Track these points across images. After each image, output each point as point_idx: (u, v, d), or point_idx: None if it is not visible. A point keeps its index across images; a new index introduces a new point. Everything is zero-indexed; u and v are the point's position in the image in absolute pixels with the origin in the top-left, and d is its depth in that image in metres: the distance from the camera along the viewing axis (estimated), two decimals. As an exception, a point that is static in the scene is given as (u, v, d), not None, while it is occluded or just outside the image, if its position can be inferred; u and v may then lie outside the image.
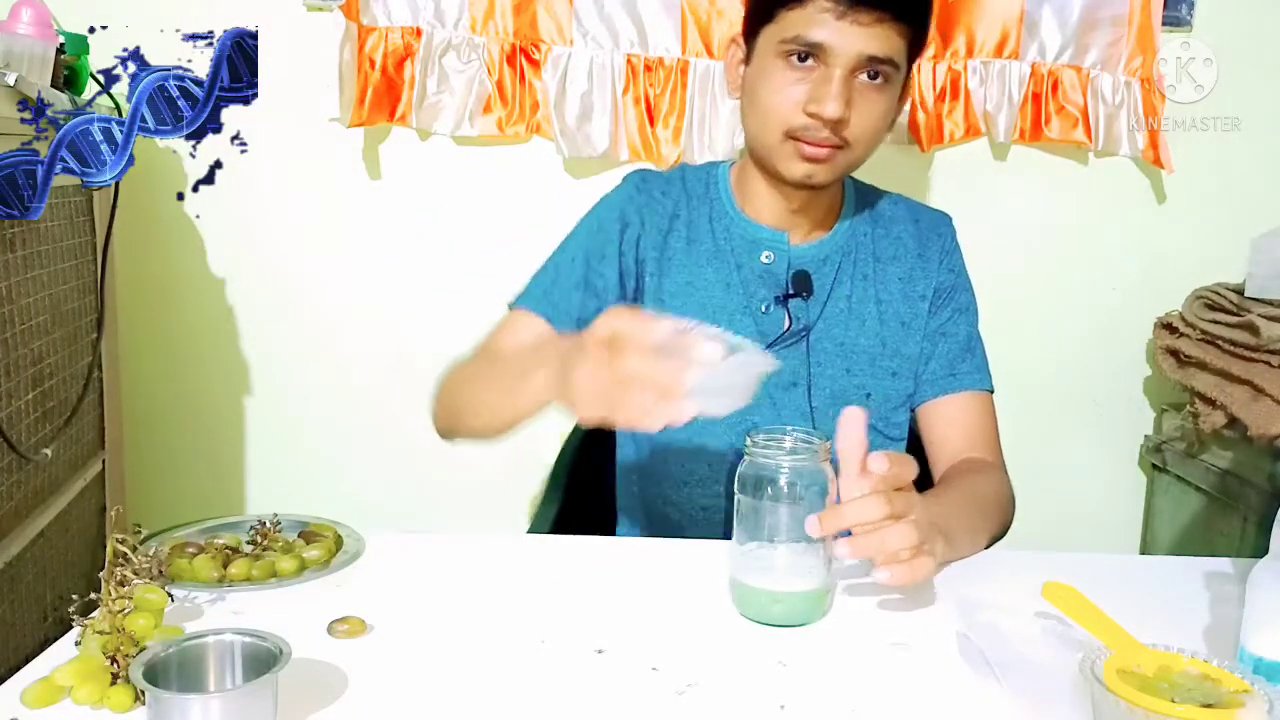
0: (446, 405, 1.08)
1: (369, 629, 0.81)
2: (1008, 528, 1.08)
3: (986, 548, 1.03)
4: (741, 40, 1.11)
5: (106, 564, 0.74)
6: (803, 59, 1.02)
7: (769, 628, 0.83)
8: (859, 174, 1.16)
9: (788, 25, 1.02)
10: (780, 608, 0.83)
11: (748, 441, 0.85)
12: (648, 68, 1.66)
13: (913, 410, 1.18)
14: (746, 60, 1.10)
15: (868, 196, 1.21)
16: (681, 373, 0.71)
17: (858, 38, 1.00)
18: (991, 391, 1.17)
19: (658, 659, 0.77)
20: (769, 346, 1.13)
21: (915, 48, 1.06)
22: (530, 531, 1.26)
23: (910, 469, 0.84)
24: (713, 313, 1.15)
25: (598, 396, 0.75)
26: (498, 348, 1.12)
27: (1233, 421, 1.52)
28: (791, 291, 1.13)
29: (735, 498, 0.85)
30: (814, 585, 0.83)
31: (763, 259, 1.14)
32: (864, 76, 1.02)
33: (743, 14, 1.12)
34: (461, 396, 1.05)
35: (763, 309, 1.14)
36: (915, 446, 1.22)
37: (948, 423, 1.15)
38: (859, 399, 1.14)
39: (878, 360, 1.15)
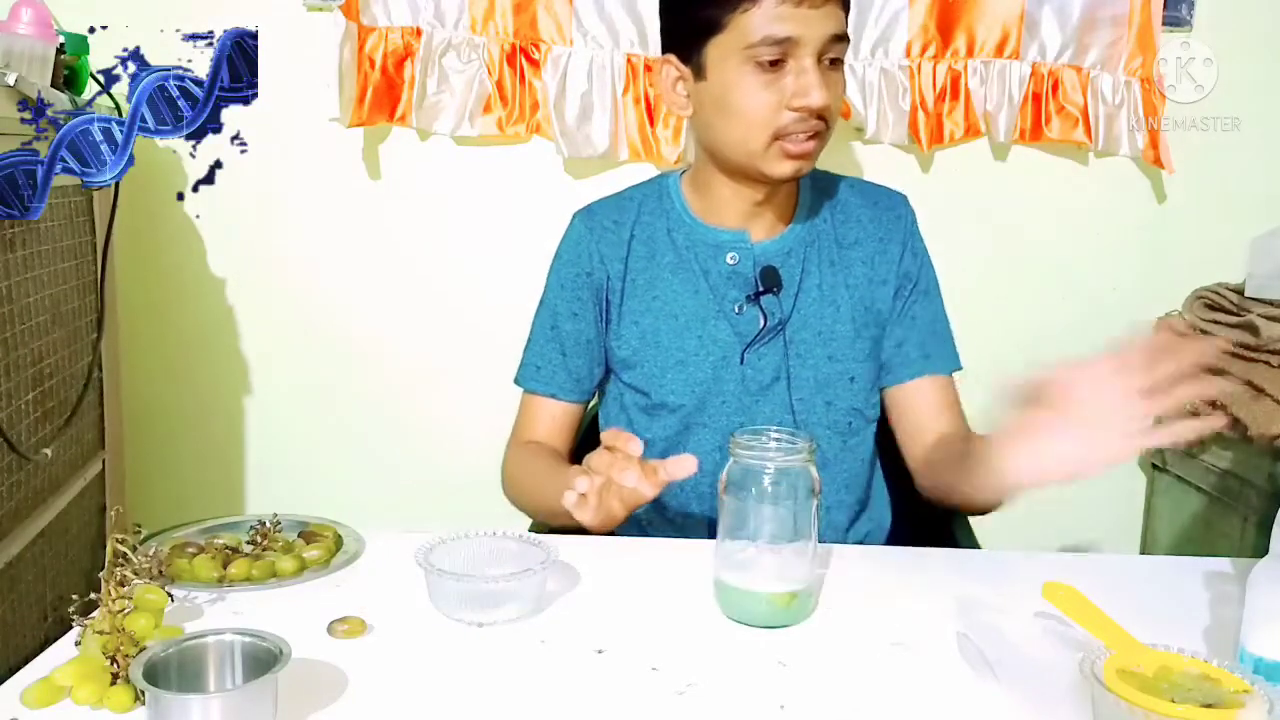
0: (511, 494, 1.24)
1: (369, 629, 0.81)
2: None
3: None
4: (675, 60, 1.10)
5: (106, 564, 0.74)
6: (774, 63, 1.03)
7: (767, 629, 0.83)
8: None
9: (749, 29, 1.02)
10: (763, 608, 0.83)
11: (732, 442, 0.85)
12: (648, 68, 1.66)
13: (880, 392, 1.19)
14: (697, 76, 1.08)
15: (821, 183, 1.20)
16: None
17: (818, 21, 1.02)
18: (960, 369, 1.19)
19: (658, 659, 0.77)
20: (748, 346, 1.14)
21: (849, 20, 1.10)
22: (530, 531, 1.26)
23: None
24: (685, 322, 1.15)
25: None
26: (529, 440, 1.23)
27: (1233, 421, 1.52)
28: (761, 289, 1.13)
29: (719, 498, 0.85)
30: (798, 586, 0.83)
31: (728, 260, 1.15)
32: (827, 60, 1.05)
33: (670, 35, 1.11)
34: (520, 498, 1.22)
35: (735, 309, 1.14)
36: (884, 431, 1.23)
37: (926, 403, 1.16)
38: (843, 384, 1.15)
39: (854, 343, 1.15)
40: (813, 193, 1.19)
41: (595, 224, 1.20)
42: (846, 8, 1.07)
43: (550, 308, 1.21)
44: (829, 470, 1.15)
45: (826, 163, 1.25)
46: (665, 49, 1.12)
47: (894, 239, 1.17)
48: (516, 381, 1.24)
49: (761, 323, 1.14)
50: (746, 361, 1.14)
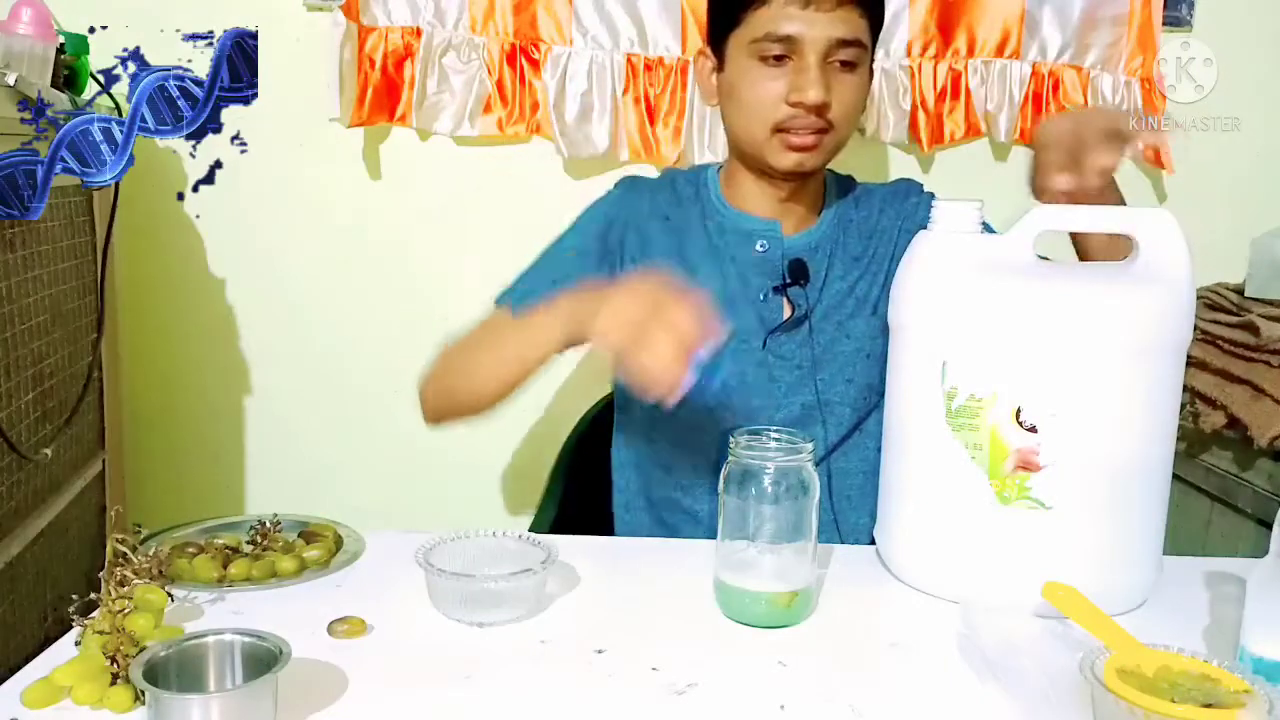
0: (440, 383, 1.14)
1: (369, 629, 0.81)
2: None
3: None
4: (709, 51, 1.17)
5: (106, 564, 0.74)
6: (778, 58, 1.08)
7: (767, 629, 0.83)
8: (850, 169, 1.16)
9: (756, 25, 1.08)
10: (763, 608, 0.83)
11: (732, 442, 0.85)
12: (648, 67, 1.66)
13: None
14: (720, 68, 1.15)
15: (845, 184, 1.25)
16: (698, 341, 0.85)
17: (824, 24, 1.06)
18: None
19: (658, 659, 0.77)
20: (771, 333, 1.15)
21: (876, 26, 1.12)
22: (530, 531, 1.26)
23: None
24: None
25: (626, 326, 0.87)
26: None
27: (1233, 421, 1.52)
28: (789, 280, 1.15)
29: (720, 497, 0.86)
30: (797, 586, 0.84)
31: (757, 248, 1.17)
32: (836, 61, 1.08)
33: (708, 27, 1.17)
34: (458, 366, 1.12)
35: (761, 297, 1.16)
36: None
37: None
38: (860, 360, 1.16)
39: (870, 321, 1.17)
40: (838, 192, 1.22)
41: (637, 189, 1.23)
42: (869, 15, 1.09)
43: (565, 243, 1.21)
44: (847, 448, 1.16)
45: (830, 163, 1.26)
46: (706, 41, 1.18)
47: (916, 222, 1.18)
48: (499, 300, 1.19)
49: (787, 313, 1.16)
50: (769, 347, 1.15)
